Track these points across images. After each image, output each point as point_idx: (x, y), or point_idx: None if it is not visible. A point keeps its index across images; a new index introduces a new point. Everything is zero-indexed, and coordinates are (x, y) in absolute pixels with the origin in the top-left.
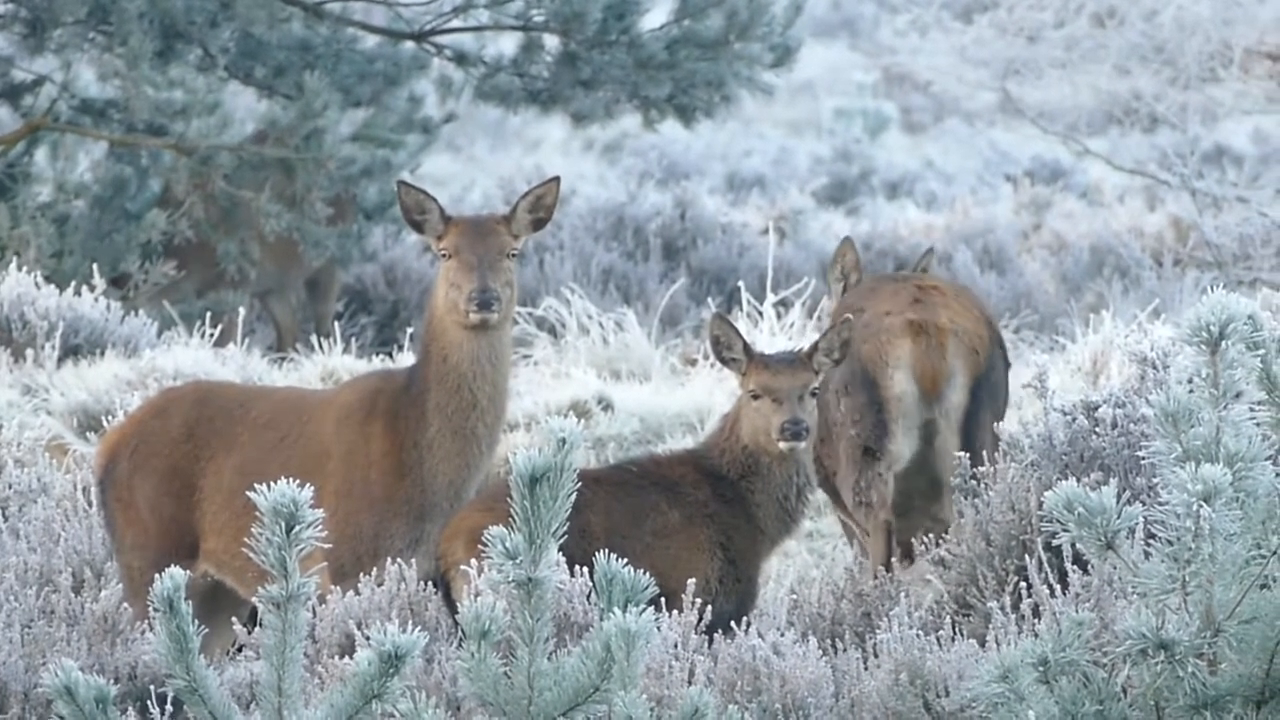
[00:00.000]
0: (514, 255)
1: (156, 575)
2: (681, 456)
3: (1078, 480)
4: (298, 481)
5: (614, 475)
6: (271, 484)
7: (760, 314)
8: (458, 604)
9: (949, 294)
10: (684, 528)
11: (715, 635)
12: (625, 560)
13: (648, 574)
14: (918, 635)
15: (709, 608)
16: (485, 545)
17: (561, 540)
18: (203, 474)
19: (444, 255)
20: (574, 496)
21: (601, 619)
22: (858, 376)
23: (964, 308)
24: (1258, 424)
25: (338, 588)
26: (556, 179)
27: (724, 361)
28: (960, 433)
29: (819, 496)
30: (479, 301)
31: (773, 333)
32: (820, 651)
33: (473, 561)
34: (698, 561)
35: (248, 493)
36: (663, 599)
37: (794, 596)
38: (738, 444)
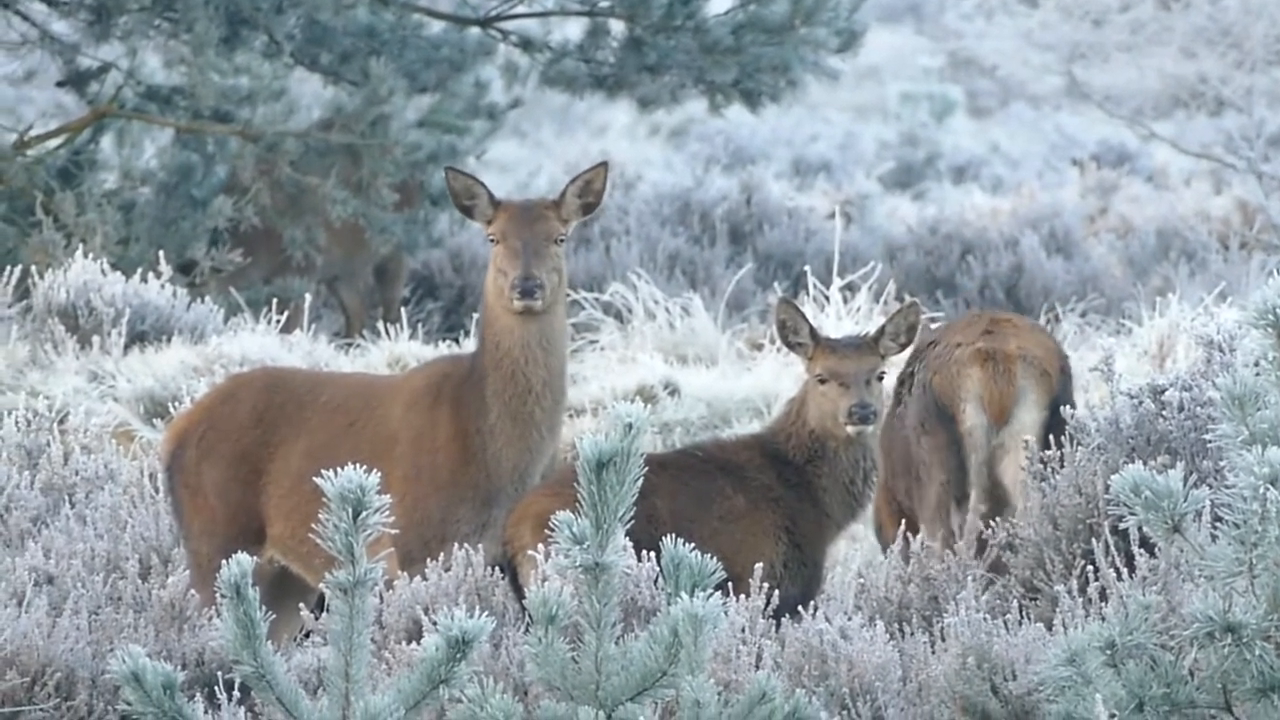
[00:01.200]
0: (562, 241)
1: (223, 561)
2: (747, 441)
3: (1144, 464)
4: (365, 467)
5: (680, 460)
6: (339, 469)
7: (826, 298)
8: (524, 588)
9: (1021, 326)
10: (750, 512)
11: (782, 620)
12: (692, 545)
13: (714, 559)
14: (985, 619)
15: (775, 592)
16: (552, 530)
17: (628, 525)
18: (270, 459)
19: (492, 240)
20: (640, 481)
21: (669, 604)
22: (932, 412)
23: (1035, 339)
24: None
25: (405, 573)
26: (605, 164)
27: (790, 346)
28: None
29: None
30: (522, 289)
31: (839, 317)
32: (887, 635)
33: (539, 546)
34: (763, 546)
35: (314, 478)
36: (729, 583)
37: (861, 580)
38: (804, 428)
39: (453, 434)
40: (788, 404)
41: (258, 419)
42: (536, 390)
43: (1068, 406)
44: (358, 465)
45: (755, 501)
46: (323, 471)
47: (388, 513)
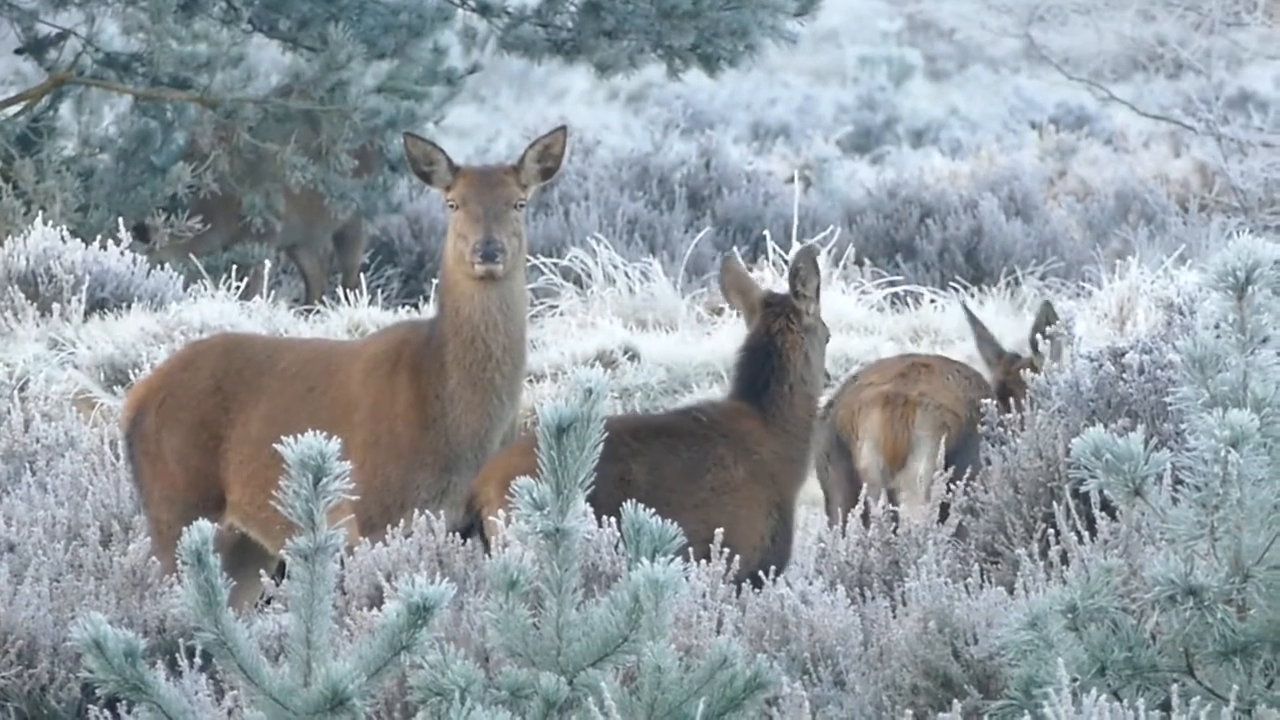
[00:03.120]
0: (521, 206)
1: (184, 528)
2: (747, 409)
3: (1105, 427)
4: (325, 433)
5: (680, 424)
6: (298, 435)
7: (785, 262)
8: (491, 547)
9: (939, 371)
10: (745, 485)
11: (743, 585)
12: (669, 515)
13: (703, 528)
14: (946, 583)
15: (741, 560)
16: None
17: (590, 490)
18: (230, 425)
19: (452, 206)
20: (617, 445)
21: (629, 569)
22: (834, 444)
23: (947, 386)
24: None
25: (366, 539)
26: (563, 128)
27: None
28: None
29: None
30: (483, 253)
31: None
32: (848, 600)
33: (499, 506)
34: (755, 521)
35: (274, 444)
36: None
37: (821, 545)
38: (808, 394)
39: (411, 400)
40: (778, 373)
41: (216, 385)
42: (497, 356)
43: (976, 448)
44: (316, 431)
45: (754, 475)
46: (282, 437)
47: (348, 479)
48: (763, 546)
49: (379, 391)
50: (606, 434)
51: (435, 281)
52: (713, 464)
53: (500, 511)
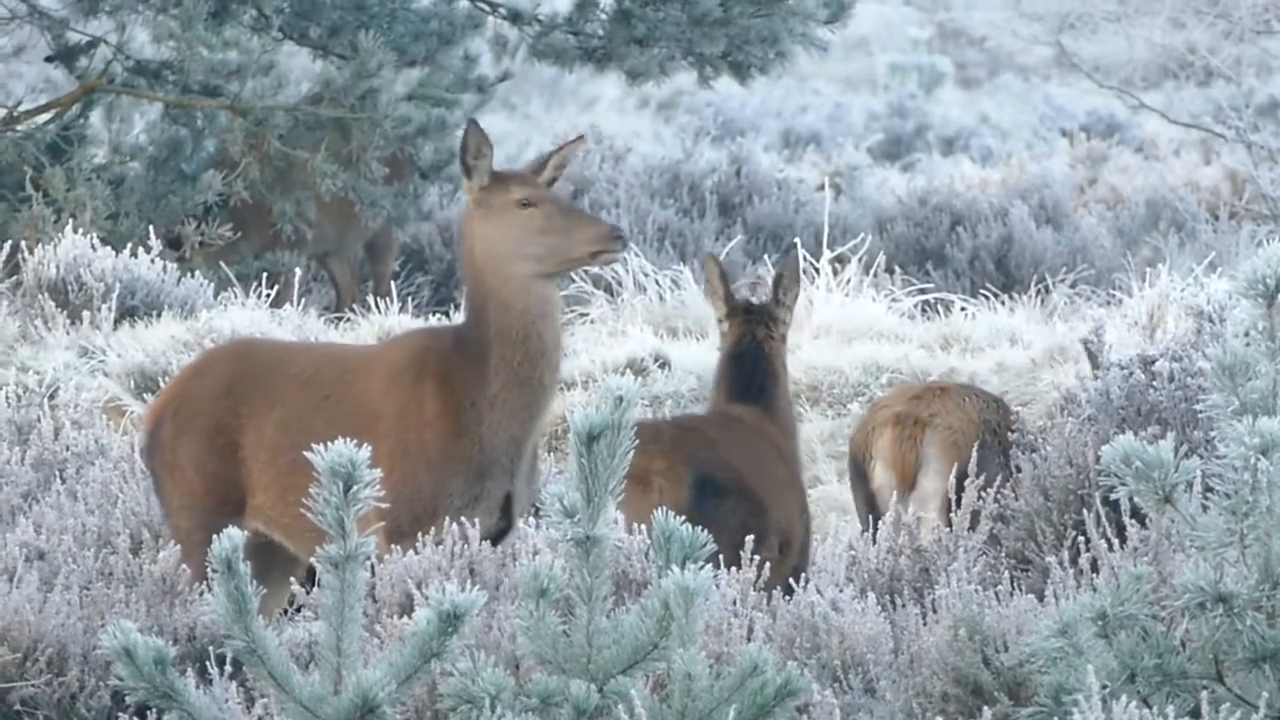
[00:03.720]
0: None
1: (208, 534)
2: (759, 412)
3: (1135, 434)
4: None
5: (728, 422)
6: (317, 443)
7: (817, 270)
8: None
9: (954, 394)
10: (790, 482)
11: (773, 593)
12: (765, 513)
13: (765, 500)
14: (976, 590)
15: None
16: (641, 486)
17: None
18: (243, 430)
19: (524, 204)
20: (697, 435)
21: (659, 576)
22: (852, 467)
23: (960, 408)
24: None
25: (397, 548)
26: (581, 137)
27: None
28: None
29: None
30: (618, 234)
31: (829, 289)
32: (879, 607)
33: (627, 502)
34: (796, 522)
35: (294, 450)
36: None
37: (852, 553)
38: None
39: (441, 409)
40: (770, 374)
41: (227, 390)
42: (549, 352)
43: (996, 462)
44: (334, 440)
45: (793, 472)
46: (297, 445)
47: (377, 488)
48: (801, 535)
49: (404, 401)
50: (687, 427)
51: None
52: (770, 463)
53: (624, 511)
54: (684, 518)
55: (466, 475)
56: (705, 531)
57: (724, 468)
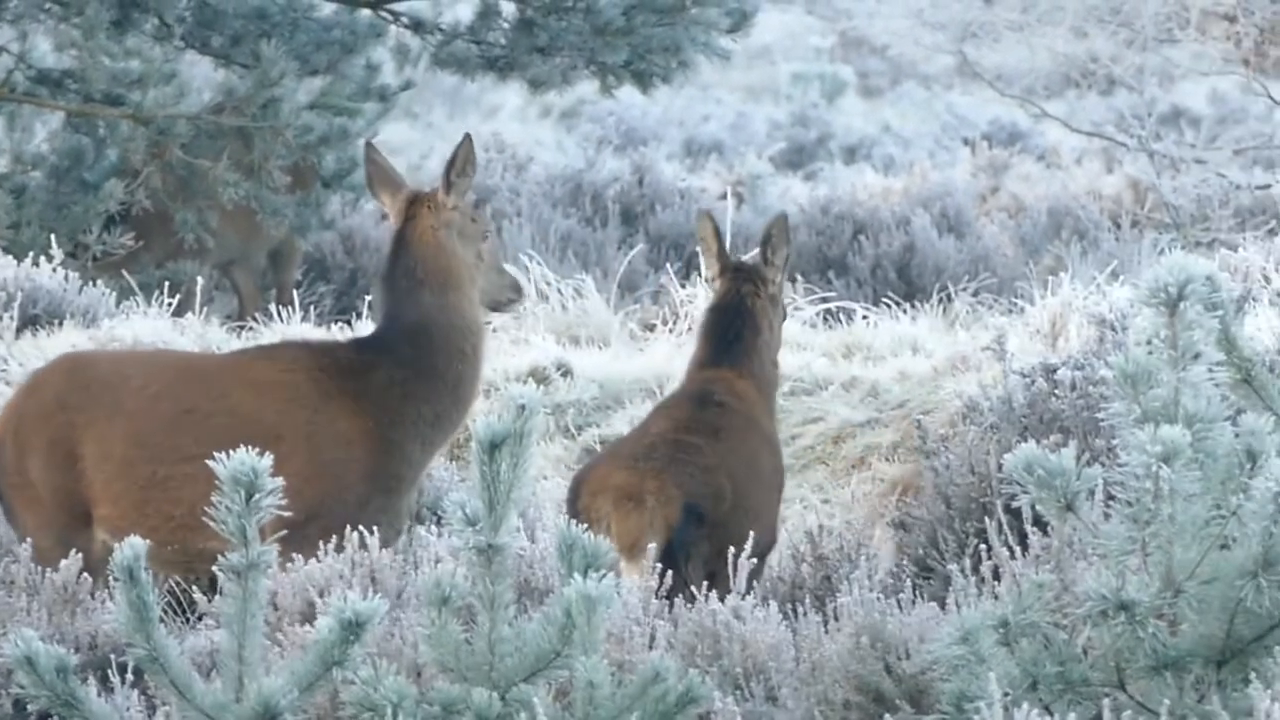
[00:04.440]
0: None
1: (65, 549)
2: (734, 375)
3: (1037, 442)
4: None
5: (721, 421)
6: (189, 459)
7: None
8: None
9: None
10: (773, 469)
11: (676, 601)
12: (753, 516)
13: (761, 528)
14: (878, 598)
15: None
16: (632, 503)
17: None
18: (81, 442)
19: (486, 236)
20: (706, 454)
21: (562, 585)
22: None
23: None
24: (1216, 385)
25: (299, 557)
26: (467, 135)
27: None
28: None
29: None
30: (523, 292)
31: None
32: (781, 615)
33: (614, 519)
34: (776, 495)
35: (155, 464)
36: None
37: (754, 560)
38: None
39: (368, 428)
40: (746, 337)
41: (60, 404)
42: (480, 372)
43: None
44: (211, 456)
45: (775, 453)
46: (161, 459)
47: (288, 511)
48: (778, 503)
49: (314, 420)
50: (682, 444)
51: (372, 298)
52: (756, 458)
53: (614, 525)
54: (667, 537)
55: (390, 491)
56: (683, 550)
57: (714, 495)
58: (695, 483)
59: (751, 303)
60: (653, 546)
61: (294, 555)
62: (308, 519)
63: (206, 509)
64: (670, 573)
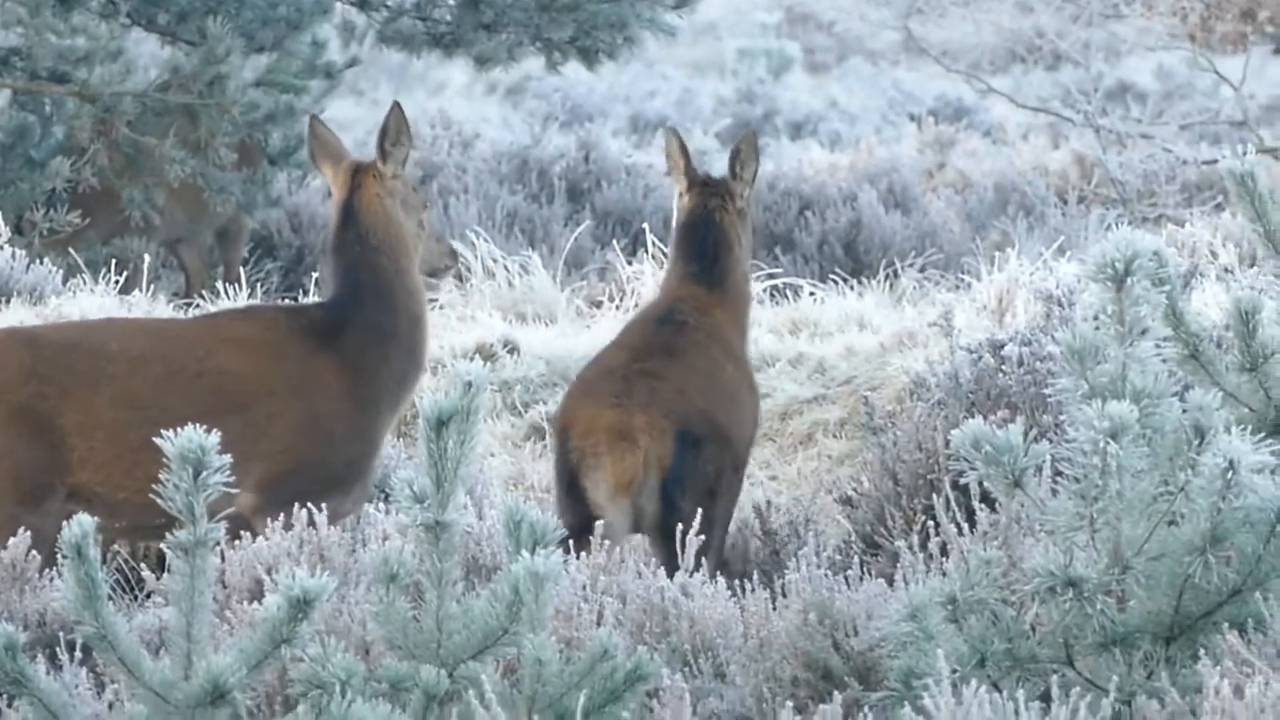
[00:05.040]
0: None
1: (16, 526)
2: (701, 292)
3: (984, 418)
4: (218, 415)
5: (679, 341)
6: (181, 419)
7: (665, 255)
8: (588, 498)
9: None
10: (736, 376)
11: (623, 577)
12: (724, 435)
13: (730, 443)
14: (826, 575)
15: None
16: (626, 443)
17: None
18: (59, 412)
19: (426, 206)
20: (662, 380)
21: (510, 561)
22: None
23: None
24: (1164, 360)
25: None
26: (395, 104)
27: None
28: None
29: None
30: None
31: None
32: (729, 592)
33: (608, 459)
34: (750, 406)
35: (147, 426)
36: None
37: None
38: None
39: (349, 384)
40: (718, 243)
41: (28, 375)
42: (428, 338)
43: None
44: (206, 415)
45: (736, 363)
46: (152, 421)
47: (276, 462)
48: (752, 425)
49: (302, 375)
50: (649, 373)
51: (318, 274)
52: (723, 374)
53: (610, 465)
54: (666, 470)
55: (370, 450)
56: (685, 480)
57: (698, 416)
58: (679, 410)
59: (720, 217)
60: (651, 483)
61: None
62: (287, 474)
63: None
64: (668, 508)
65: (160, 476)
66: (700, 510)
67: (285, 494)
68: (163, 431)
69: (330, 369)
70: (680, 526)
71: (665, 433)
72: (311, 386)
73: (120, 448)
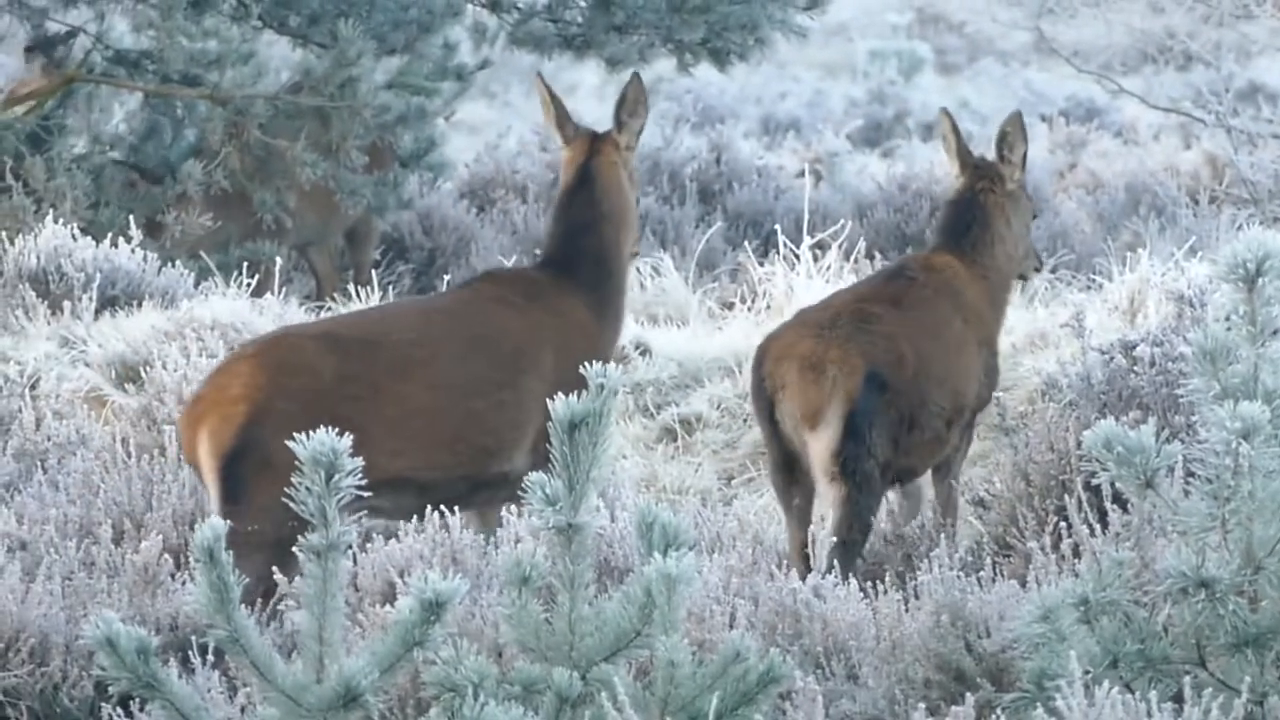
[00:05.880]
0: None
1: (293, 538)
2: (947, 254)
3: (1116, 419)
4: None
5: (904, 292)
6: (489, 390)
7: (797, 257)
8: (780, 426)
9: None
10: (962, 331)
11: (756, 580)
12: (935, 384)
13: (952, 394)
14: (958, 576)
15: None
16: (815, 372)
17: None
18: (376, 407)
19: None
20: (873, 323)
21: (642, 564)
22: None
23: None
24: None
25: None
26: (635, 74)
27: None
28: None
29: None
30: None
31: (809, 275)
32: (861, 594)
33: (796, 388)
34: (973, 362)
35: (470, 399)
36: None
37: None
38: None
39: (593, 340)
40: (976, 219)
41: (343, 377)
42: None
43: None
44: (507, 382)
45: (966, 317)
46: (470, 393)
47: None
48: (979, 383)
49: (572, 338)
50: (863, 314)
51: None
52: (946, 329)
53: (796, 393)
54: (849, 407)
55: None
56: (870, 420)
57: (898, 363)
58: (877, 350)
59: (985, 198)
60: (836, 417)
61: None
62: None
63: (510, 431)
64: (853, 443)
65: (483, 444)
66: (883, 457)
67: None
68: (478, 402)
69: (581, 326)
70: (834, 532)
71: (856, 370)
72: (576, 348)
73: (443, 426)
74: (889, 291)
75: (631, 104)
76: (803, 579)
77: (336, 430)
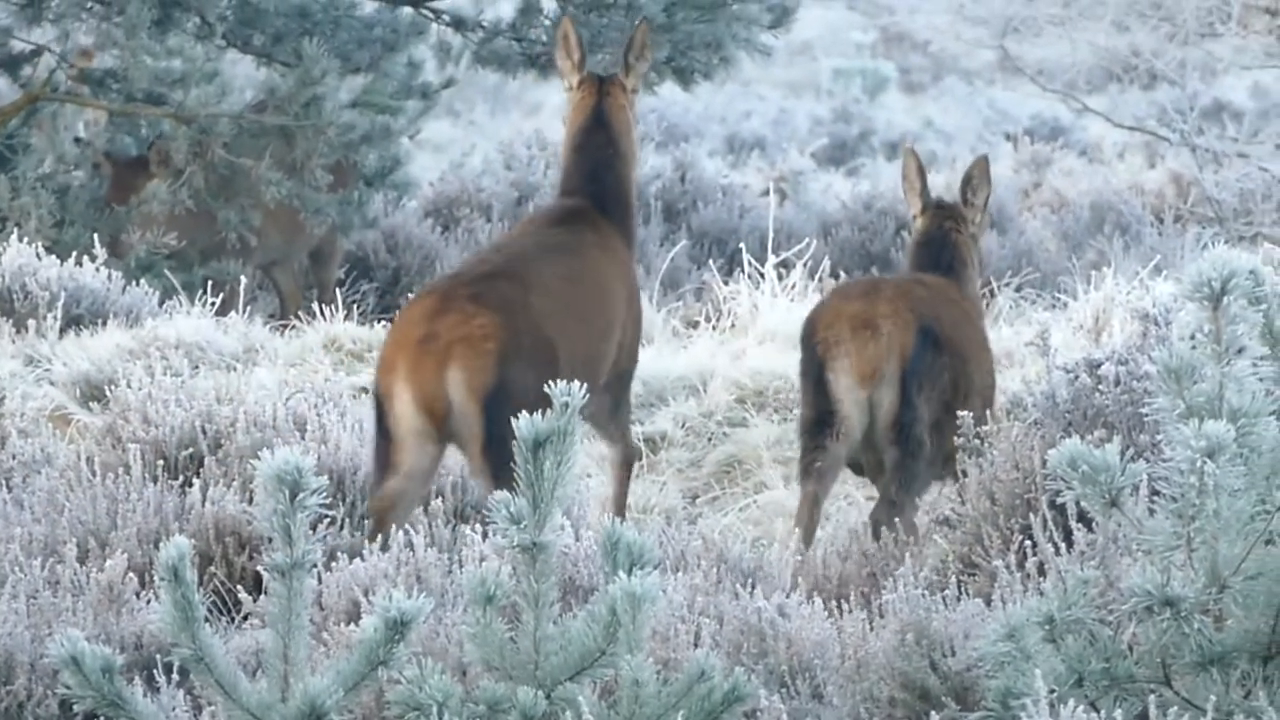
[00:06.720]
0: None
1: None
2: (946, 283)
3: (1081, 438)
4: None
5: (934, 291)
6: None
7: (762, 275)
8: (829, 391)
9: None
10: (983, 344)
11: (720, 600)
12: (972, 369)
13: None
14: (923, 595)
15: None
16: (869, 330)
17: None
18: (565, 345)
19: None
20: (918, 289)
21: (607, 582)
22: None
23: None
24: (1260, 379)
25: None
26: (642, 20)
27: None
28: None
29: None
30: None
31: (774, 294)
32: (826, 612)
33: (852, 347)
34: (990, 382)
35: (601, 345)
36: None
37: (799, 557)
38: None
39: (633, 278)
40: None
41: (540, 316)
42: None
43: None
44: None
45: (984, 338)
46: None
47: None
48: (989, 384)
49: (629, 270)
50: (907, 294)
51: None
52: (966, 324)
53: (852, 353)
54: (907, 361)
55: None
56: (924, 376)
57: (944, 321)
58: (925, 310)
59: (954, 238)
60: (891, 372)
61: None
62: (629, 372)
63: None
64: (906, 403)
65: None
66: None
67: (624, 393)
68: (598, 345)
69: (626, 263)
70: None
71: (909, 324)
72: (633, 281)
73: (591, 364)
74: (919, 280)
75: (638, 48)
76: (806, 543)
77: (550, 363)
